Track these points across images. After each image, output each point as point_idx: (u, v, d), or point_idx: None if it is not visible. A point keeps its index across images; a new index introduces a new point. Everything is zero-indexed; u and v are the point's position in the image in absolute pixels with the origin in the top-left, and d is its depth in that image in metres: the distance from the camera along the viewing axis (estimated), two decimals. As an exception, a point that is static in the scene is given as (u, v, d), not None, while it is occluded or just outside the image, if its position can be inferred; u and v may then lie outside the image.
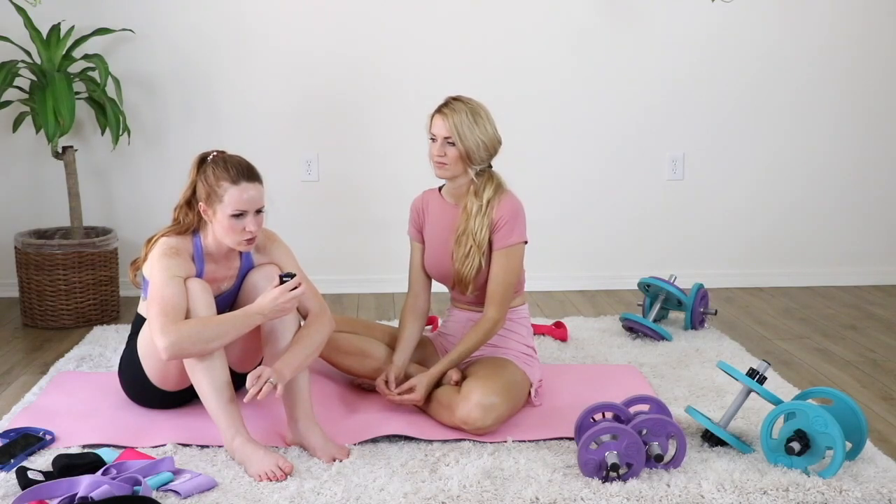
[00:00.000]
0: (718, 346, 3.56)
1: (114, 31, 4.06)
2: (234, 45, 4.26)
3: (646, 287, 3.80)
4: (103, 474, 2.34)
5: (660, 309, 3.80)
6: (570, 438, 2.65)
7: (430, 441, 2.64)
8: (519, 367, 2.88)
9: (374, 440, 2.64)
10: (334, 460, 2.50)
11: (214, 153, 2.64)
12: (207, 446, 2.59)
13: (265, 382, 2.43)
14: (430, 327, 3.64)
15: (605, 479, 2.37)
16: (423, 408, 2.82)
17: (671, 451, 2.48)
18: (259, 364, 2.88)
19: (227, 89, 4.29)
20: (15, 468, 2.38)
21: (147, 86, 4.25)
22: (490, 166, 2.90)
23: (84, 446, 2.58)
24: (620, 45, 4.39)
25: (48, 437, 2.60)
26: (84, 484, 2.25)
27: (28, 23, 3.86)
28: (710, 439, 2.62)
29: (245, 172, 2.57)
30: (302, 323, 2.71)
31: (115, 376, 2.94)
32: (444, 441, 2.65)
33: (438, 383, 2.82)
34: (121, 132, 4.02)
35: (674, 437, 2.46)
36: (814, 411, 2.43)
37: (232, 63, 4.27)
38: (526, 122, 4.34)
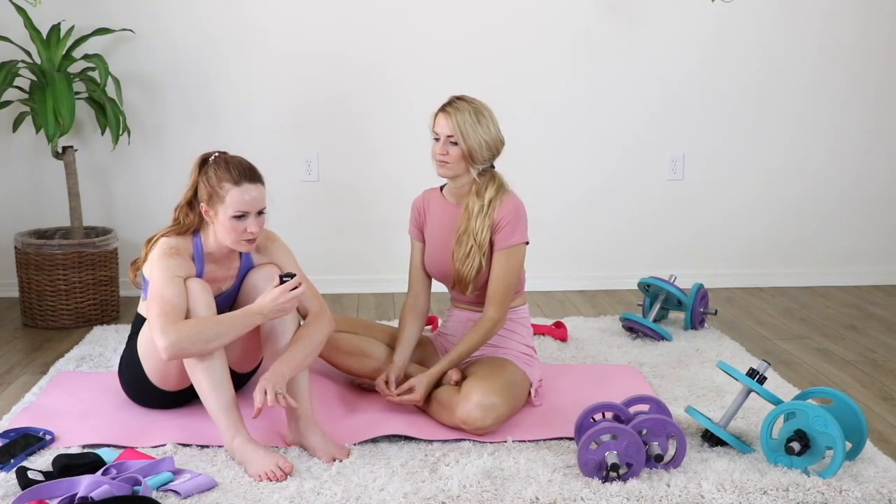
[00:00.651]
0: (718, 346, 3.56)
1: (114, 31, 4.06)
2: (234, 46, 4.26)
3: (646, 287, 3.80)
4: (103, 474, 2.34)
5: (660, 309, 3.80)
6: (570, 438, 2.65)
7: (430, 441, 2.64)
8: (519, 367, 2.88)
9: (374, 440, 2.64)
10: (334, 460, 2.50)
11: (216, 154, 2.64)
12: (207, 446, 2.59)
13: (273, 395, 2.43)
14: (430, 327, 3.64)
15: (605, 479, 2.37)
16: (423, 408, 2.82)
17: (671, 451, 2.48)
18: (259, 364, 2.88)
19: (227, 89, 4.29)
20: (15, 468, 2.38)
21: (147, 86, 4.25)
22: (492, 166, 2.90)
23: (84, 446, 2.58)
24: (621, 45, 4.39)
25: (48, 437, 2.60)
26: (84, 484, 2.25)
27: (28, 23, 3.86)
28: (710, 439, 2.62)
29: (247, 173, 2.57)
30: (301, 323, 2.71)
31: (115, 376, 2.94)
32: (444, 441, 2.65)
33: (438, 383, 2.82)
34: (121, 132, 4.02)
35: (674, 437, 2.46)
36: (814, 411, 2.43)
37: (232, 63, 4.27)
38: (526, 123, 4.34)
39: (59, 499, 2.23)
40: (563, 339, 3.64)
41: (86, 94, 4.01)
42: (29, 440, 2.56)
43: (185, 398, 2.80)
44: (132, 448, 2.54)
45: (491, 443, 2.64)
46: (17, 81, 3.92)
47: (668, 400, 2.95)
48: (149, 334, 2.63)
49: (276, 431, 2.68)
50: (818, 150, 4.57)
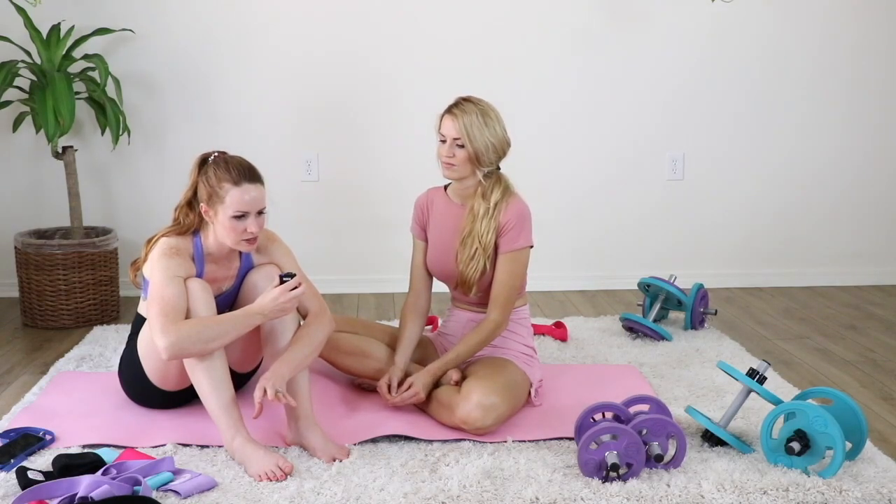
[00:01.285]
0: (718, 346, 3.56)
1: (114, 31, 4.06)
2: (234, 46, 4.26)
3: (646, 287, 3.80)
4: (103, 474, 2.34)
5: (660, 309, 3.80)
6: (570, 438, 2.65)
7: (430, 441, 2.64)
8: (519, 367, 2.88)
9: (374, 440, 2.64)
10: (334, 460, 2.50)
11: (216, 154, 2.63)
12: (207, 446, 2.59)
13: (273, 392, 2.43)
14: (430, 327, 3.64)
15: (605, 479, 2.37)
16: (423, 408, 2.82)
17: (671, 451, 2.48)
18: (259, 364, 2.88)
19: (227, 89, 4.29)
20: (15, 468, 2.38)
21: (147, 86, 4.25)
22: (498, 168, 2.89)
23: (84, 446, 2.58)
24: (620, 45, 4.39)
25: (48, 437, 2.60)
26: (84, 484, 2.25)
27: (28, 23, 3.85)
28: (710, 439, 2.62)
29: (247, 173, 2.57)
30: (301, 323, 2.71)
31: (115, 376, 2.94)
32: (444, 441, 2.65)
33: (438, 383, 2.82)
34: (121, 132, 4.02)
35: (674, 437, 2.46)
36: (814, 411, 2.43)
37: (232, 63, 4.27)
38: (526, 123, 4.33)
39: (59, 499, 2.23)
40: (563, 339, 3.64)
41: (86, 94, 4.01)
42: (29, 440, 2.56)
43: (185, 398, 2.80)
44: (132, 448, 2.54)
45: (491, 443, 2.64)
46: (17, 81, 3.92)
47: (668, 400, 2.95)
48: (149, 334, 2.63)
49: (276, 431, 2.68)
50: (818, 151, 4.57)
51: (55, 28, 3.91)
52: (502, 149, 2.84)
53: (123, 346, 3.04)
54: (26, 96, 3.95)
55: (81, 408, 2.86)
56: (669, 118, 4.48)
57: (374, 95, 4.34)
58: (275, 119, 4.32)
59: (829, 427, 2.40)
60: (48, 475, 2.36)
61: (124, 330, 3.67)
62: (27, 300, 3.86)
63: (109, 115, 3.94)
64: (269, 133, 4.31)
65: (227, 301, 2.73)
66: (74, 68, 4.01)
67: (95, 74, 3.99)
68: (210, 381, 2.50)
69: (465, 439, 2.65)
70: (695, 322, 3.77)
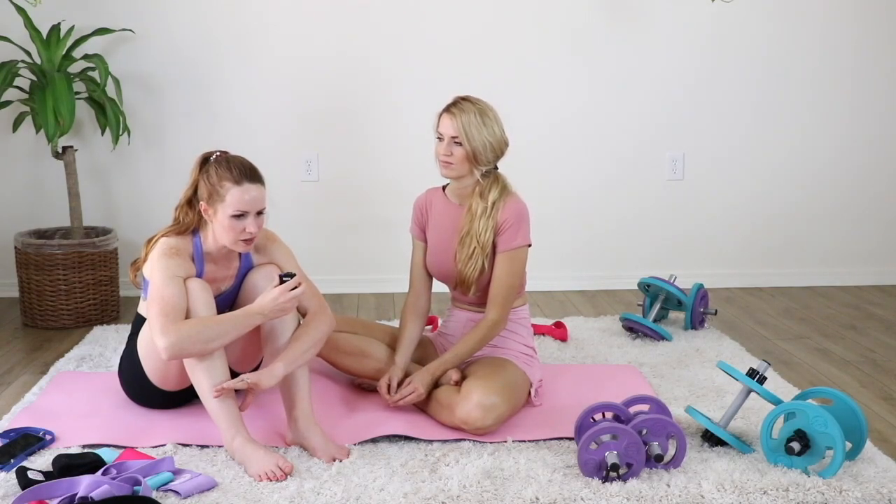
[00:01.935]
0: (718, 346, 3.56)
1: (114, 31, 4.06)
2: (234, 45, 4.26)
3: (646, 287, 3.80)
4: (103, 474, 2.34)
5: (660, 309, 3.80)
6: (570, 438, 2.65)
7: (430, 441, 2.64)
8: (519, 367, 2.88)
9: (374, 440, 2.64)
10: (334, 460, 2.50)
11: (217, 153, 2.63)
12: (207, 446, 2.59)
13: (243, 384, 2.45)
14: (430, 327, 3.64)
15: (605, 479, 2.37)
16: (423, 408, 2.82)
17: (671, 451, 2.48)
18: (259, 364, 2.88)
19: (227, 89, 4.29)
20: (15, 468, 2.38)
21: (147, 86, 4.25)
22: (496, 167, 2.90)
23: (84, 446, 2.58)
24: (620, 45, 4.39)
25: (48, 437, 2.60)
26: (84, 484, 2.25)
27: (28, 23, 3.85)
28: (710, 439, 2.62)
29: (248, 173, 2.57)
30: (301, 323, 2.71)
31: (115, 376, 2.94)
32: (444, 441, 2.65)
33: (438, 383, 2.82)
34: (121, 132, 4.02)
35: (674, 437, 2.46)
36: (814, 411, 2.43)
37: (232, 63, 4.27)
38: (526, 123, 4.33)
39: (59, 499, 2.23)
40: (563, 339, 3.64)
41: (86, 94, 4.01)
42: (29, 440, 2.56)
43: (185, 398, 2.80)
44: (132, 448, 2.54)
45: (491, 443, 2.64)
46: (17, 81, 3.92)
47: (668, 400, 2.95)
48: (149, 334, 2.63)
49: (276, 431, 2.68)
50: (818, 150, 4.57)
51: (55, 28, 3.91)
52: (500, 148, 2.85)
53: (123, 346, 3.04)
54: (26, 96, 3.95)
55: (81, 408, 2.86)
56: (669, 118, 4.48)
57: (374, 95, 4.34)
58: (275, 119, 4.32)
59: (829, 427, 2.40)
60: (48, 475, 2.36)
61: (124, 330, 3.67)
62: (27, 300, 3.86)
63: (109, 115, 3.94)
64: (269, 133, 4.31)
65: (227, 301, 2.73)
66: (74, 68, 4.01)
67: (95, 74, 3.99)
68: (210, 381, 2.50)
69: (465, 439, 2.65)
70: (695, 322, 3.77)
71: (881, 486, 2.37)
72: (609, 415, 2.60)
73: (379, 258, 4.40)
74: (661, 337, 3.61)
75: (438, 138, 2.83)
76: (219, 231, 2.60)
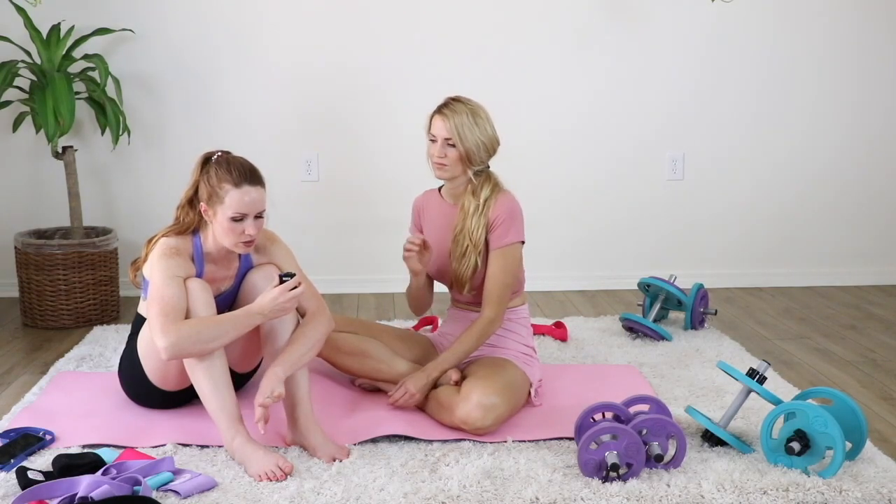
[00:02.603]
0: (718, 346, 3.56)
1: (114, 31, 4.06)
2: (234, 45, 4.26)
3: (646, 287, 3.80)
4: (103, 474, 2.34)
5: (660, 309, 3.80)
6: (570, 438, 2.65)
7: (430, 441, 2.64)
8: (519, 367, 2.88)
9: (374, 440, 2.64)
10: (334, 460, 2.50)
11: (219, 153, 2.63)
12: (207, 446, 2.59)
13: (271, 398, 2.44)
14: (429, 327, 3.64)
15: (605, 479, 2.37)
16: (423, 408, 2.82)
17: (671, 451, 2.48)
18: (259, 364, 2.88)
19: (227, 89, 4.29)
20: (15, 468, 2.38)
21: (147, 86, 4.25)
22: (488, 166, 2.90)
23: (84, 446, 2.58)
24: (620, 45, 4.39)
25: (48, 437, 2.60)
26: (84, 484, 2.25)
27: (28, 23, 3.86)
28: (710, 439, 2.61)
29: (248, 175, 2.56)
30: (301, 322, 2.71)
31: (115, 376, 2.94)
32: (444, 441, 2.64)
33: (437, 384, 2.82)
34: (121, 132, 4.02)
35: (674, 437, 2.46)
36: (814, 411, 2.43)
37: (232, 63, 4.27)
38: (526, 123, 4.34)
39: (59, 499, 2.23)
40: (563, 339, 3.64)
41: (86, 94, 4.01)
42: (29, 440, 2.56)
43: (185, 398, 2.80)
44: (132, 448, 2.54)
45: (491, 443, 2.63)
46: (17, 81, 3.92)
47: (668, 400, 2.95)
48: (149, 334, 2.63)
49: (276, 431, 2.67)
50: (818, 150, 4.57)
51: (55, 28, 3.91)
52: (492, 147, 2.86)
53: (123, 346, 3.04)
54: (26, 96, 3.95)
55: (81, 408, 2.86)
56: (669, 118, 4.48)
57: (374, 95, 4.34)
58: (275, 119, 4.32)
59: (829, 427, 2.40)
60: (48, 475, 2.36)
61: (124, 330, 3.67)
62: (27, 300, 3.86)
63: (109, 115, 3.94)
64: (269, 133, 4.31)
65: (227, 301, 2.73)
66: (74, 68, 4.01)
67: (95, 74, 3.99)
68: (210, 381, 2.50)
69: (465, 439, 2.65)
70: (695, 322, 3.77)
71: (881, 486, 2.37)
72: (609, 415, 2.60)
73: (379, 258, 4.39)
74: (661, 337, 3.61)
75: (431, 140, 2.84)
76: (218, 232, 2.60)
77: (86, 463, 2.40)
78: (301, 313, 2.71)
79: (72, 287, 3.82)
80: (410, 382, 2.79)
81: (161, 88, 4.26)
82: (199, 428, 2.67)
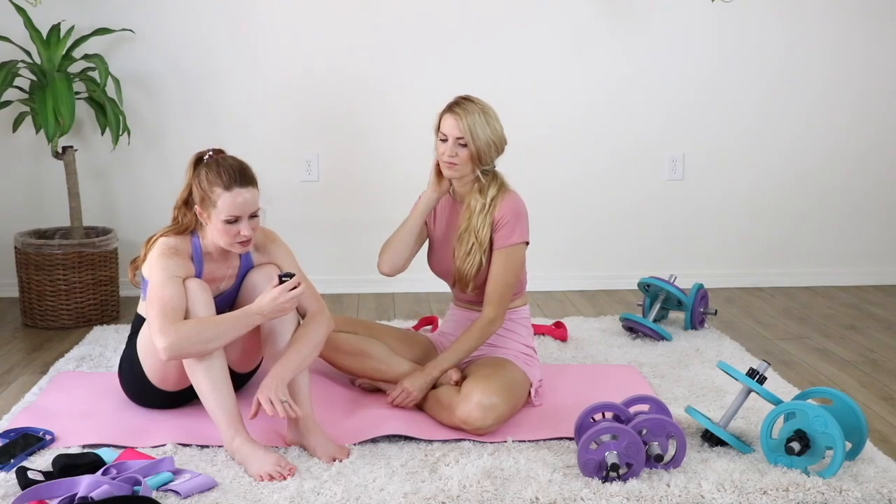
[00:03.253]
0: (718, 346, 3.56)
1: (114, 31, 4.06)
2: (234, 45, 4.26)
3: (646, 287, 3.80)
4: (103, 474, 2.34)
5: (660, 309, 3.80)
6: (570, 438, 2.65)
7: (430, 441, 2.64)
8: (519, 367, 2.88)
9: (374, 440, 2.64)
10: (334, 460, 2.50)
11: (210, 153, 2.62)
12: (207, 446, 2.59)
13: (279, 402, 2.44)
14: (430, 327, 3.65)
15: (605, 479, 2.37)
16: (423, 408, 2.82)
17: (671, 451, 2.48)
18: (259, 364, 2.88)
19: (227, 89, 4.29)
20: (15, 468, 2.38)
21: (147, 86, 4.25)
22: (494, 165, 2.90)
23: (84, 446, 2.58)
24: (620, 44, 4.39)
25: (48, 437, 2.60)
26: (84, 484, 2.25)
27: (28, 23, 3.86)
28: (710, 439, 2.61)
29: (238, 177, 2.55)
30: (301, 323, 2.71)
31: (115, 376, 2.94)
32: (444, 441, 2.64)
33: (437, 383, 2.82)
34: (121, 132, 4.02)
35: (674, 437, 2.46)
36: (814, 411, 2.43)
37: (232, 63, 4.27)
38: (526, 122, 4.33)
39: (59, 499, 2.23)
40: (563, 339, 3.64)
41: (86, 94, 4.01)
42: (29, 440, 2.56)
43: (185, 398, 2.80)
44: (132, 448, 2.54)
45: (491, 443, 2.63)
46: (17, 81, 3.92)
47: (668, 400, 2.95)
48: (148, 334, 2.63)
49: (276, 431, 2.67)
50: (818, 150, 4.57)
51: (55, 28, 3.91)
52: (501, 146, 2.86)
53: (123, 346, 3.04)
54: (26, 96, 3.95)
55: (81, 408, 2.86)
56: (669, 118, 4.48)
57: (374, 95, 4.34)
58: (275, 119, 4.32)
59: (829, 427, 2.40)
60: (48, 475, 2.36)
61: (124, 330, 3.67)
62: (27, 300, 3.86)
63: (109, 115, 3.94)
64: (269, 133, 4.31)
65: (227, 301, 2.73)
66: (74, 68, 4.01)
67: (95, 74, 3.99)
68: (210, 382, 2.50)
69: (465, 439, 2.65)
70: (695, 322, 3.77)
71: (881, 486, 2.37)
72: (609, 415, 2.60)
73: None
74: (661, 337, 3.61)
75: (442, 139, 2.83)
76: (214, 234, 2.59)
77: (86, 463, 2.40)
78: (301, 313, 2.71)
79: (72, 287, 3.82)
80: (409, 382, 2.79)
81: (161, 88, 4.26)
82: (199, 428, 2.67)
